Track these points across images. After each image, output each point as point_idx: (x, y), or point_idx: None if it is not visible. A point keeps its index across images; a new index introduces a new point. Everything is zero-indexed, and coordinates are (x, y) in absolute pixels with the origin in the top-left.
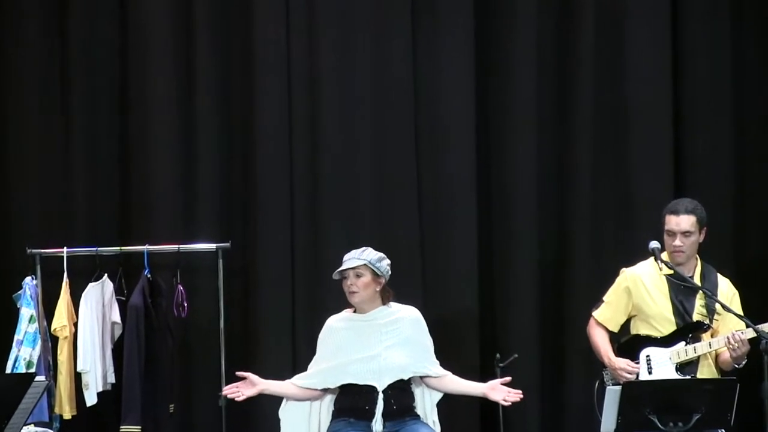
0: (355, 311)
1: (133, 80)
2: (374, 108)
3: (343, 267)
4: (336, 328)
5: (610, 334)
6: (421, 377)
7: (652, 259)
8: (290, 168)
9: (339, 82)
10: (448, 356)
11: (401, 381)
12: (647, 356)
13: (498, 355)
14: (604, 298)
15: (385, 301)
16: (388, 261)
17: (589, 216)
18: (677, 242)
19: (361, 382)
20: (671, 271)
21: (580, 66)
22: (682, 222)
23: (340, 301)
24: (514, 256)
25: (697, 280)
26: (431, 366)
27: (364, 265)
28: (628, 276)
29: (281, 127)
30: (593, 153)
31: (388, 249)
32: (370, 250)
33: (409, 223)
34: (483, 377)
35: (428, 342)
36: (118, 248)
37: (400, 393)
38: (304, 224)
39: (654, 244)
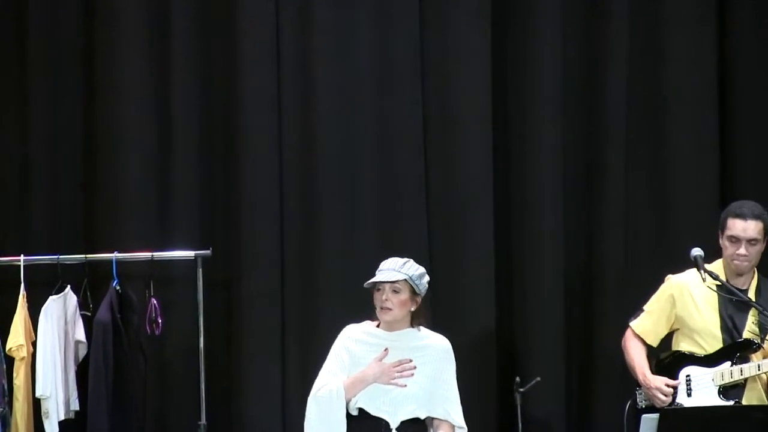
0: (378, 325)
1: (100, 63)
2: (376, 96)
3: (381, 279)
4: (355, 340)
5: (649, 349)
6: (432, 418)
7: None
8: (280, 165)
9: (335, 66)
10: (461, 381)
11: (417, 418)
12: (687, 376)
13: (518, 379)
14: (645, 307)
15: (414, 323)
16: (428, 278)
17: (622, 220)
18: (742, 250)
19: (372, 412)
20: (717, 283)
21: (612, 47)
22: (749, 228)
23: (337, 319)
24: (536, 266)
25: (752, 295)
26: (454, 414)
27: (405, 280)
28: (673, 283)
29: (269, 119)
30: (626, 148)
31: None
32: (411, 262)
33: (417, 228)
34: (502, 404)
35: (454, 382)
36: (83, 256)
37: (414, 427)
38: (296, 229)
39: (696, 252)
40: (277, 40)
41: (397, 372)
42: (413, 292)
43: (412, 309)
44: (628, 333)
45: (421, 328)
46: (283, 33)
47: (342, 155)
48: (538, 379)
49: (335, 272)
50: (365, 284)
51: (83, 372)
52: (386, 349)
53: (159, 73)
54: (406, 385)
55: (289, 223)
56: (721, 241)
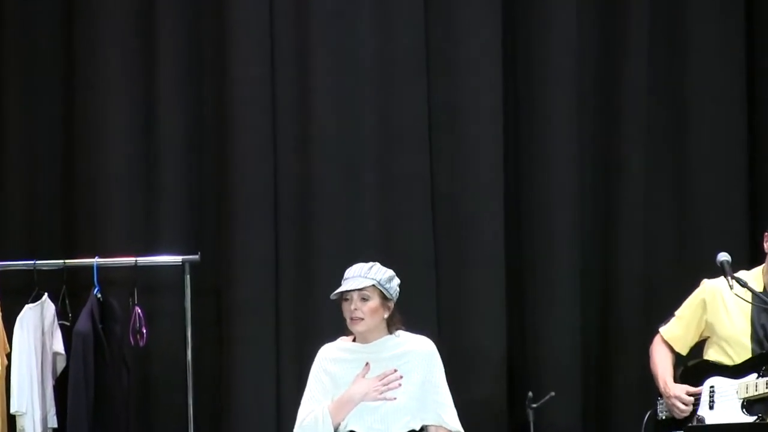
0: (354, 340)
1: (80, 57)
2: (377, 88)
3: (346, 287)
4: (332, 360)
5: (677, 357)
6: (427, 426)
7: (743, 272)
8: (274, 163)
9: (333, 56)
10: (469, 397)
11: (413, 430)
12: (711, 387)
13: (530, 394)
14: (676, 313)
15: (391, 329)
16: (398, 280)
17: (642, 223)
18: None
19: None
20: (744, 290)
21: (632, 36)
22: None
23: (335, 328)
24: (549, 272)
25: None
26: (447, 418)
27: (373, 286)
28: (707, 288)
29: (262, 112)
30: (647, 146)
31: (395, 265)
32: (378, 266)
33: (421, 232)
34: (513, 420)
35: (444, 385)
36: (62, 261)
37: None
38: (291, 233)
39: (722, 257)
40: (271, 30)
41: (383, 386)
42: (384, 298)
43: (386, 316)
44: (657, 339)
45: (399, 332)
46: (277, 23)
47: (341, 154)
48: (552, 394)
49: (333, 278)
50: (331, 296)
51: (62, 386)
52: (367, 364)
53: (144, 68)
54: (395, 398)
55: (283, 226)
56: (766, 246)
